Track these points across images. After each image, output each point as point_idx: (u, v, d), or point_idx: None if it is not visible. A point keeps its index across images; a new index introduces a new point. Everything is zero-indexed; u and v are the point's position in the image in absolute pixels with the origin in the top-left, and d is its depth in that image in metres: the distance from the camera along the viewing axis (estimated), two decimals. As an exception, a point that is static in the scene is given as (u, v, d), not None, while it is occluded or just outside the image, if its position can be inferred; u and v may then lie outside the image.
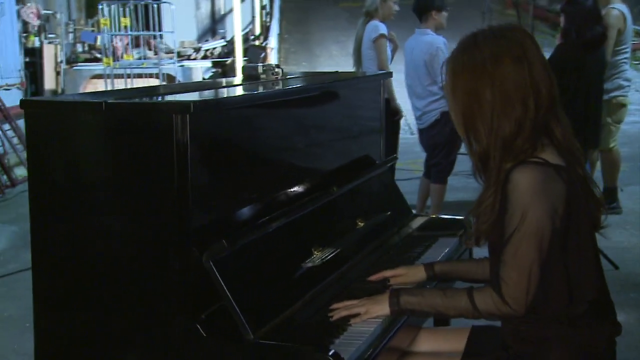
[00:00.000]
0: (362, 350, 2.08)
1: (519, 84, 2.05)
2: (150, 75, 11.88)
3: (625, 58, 6.22)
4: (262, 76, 2.80)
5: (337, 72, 3.31)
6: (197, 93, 2.28)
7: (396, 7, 6.55)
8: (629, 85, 6.31)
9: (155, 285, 1.97)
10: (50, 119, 2.00)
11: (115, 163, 1.96)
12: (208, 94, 2.31)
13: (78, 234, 2.02)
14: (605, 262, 5.23)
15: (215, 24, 20.01)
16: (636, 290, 4.94)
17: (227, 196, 2.12)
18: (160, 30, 13.05)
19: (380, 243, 2.80)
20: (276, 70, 2.82)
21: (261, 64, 2.83)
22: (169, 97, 2.12)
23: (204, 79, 12.44)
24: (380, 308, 2.22)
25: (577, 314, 2.09)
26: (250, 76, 2.85)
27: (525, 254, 2.00)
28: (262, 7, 16.30)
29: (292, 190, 2.44)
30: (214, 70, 13.29)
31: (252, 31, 15.28)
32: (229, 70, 13.23)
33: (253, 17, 16.71)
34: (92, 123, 1.94)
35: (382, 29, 6.45)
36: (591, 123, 5.29)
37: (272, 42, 14.26)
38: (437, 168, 6.03)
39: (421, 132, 6.04)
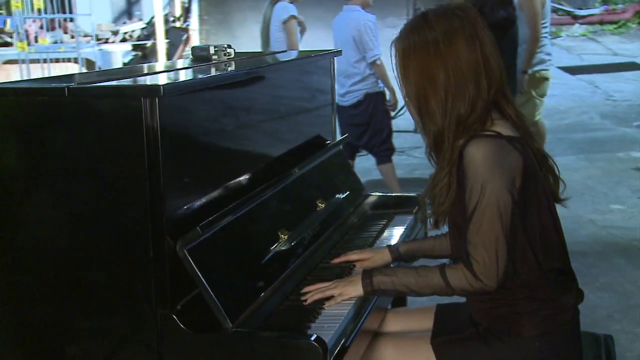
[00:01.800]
0: (339, 333, 2.05)
1: (472, 63, 2.04)
2: (69, 60, 11.49)
3: (545, 32, 6.35)
4: (214, 57, 2.72)
5: (284, 51, 3.23)
6: (159, 76, 2.19)
7: None
8: (550, 60, 6.44)
9: (128, 276, 1.89)
10: (6, 107, 1.89)
11: (82, 151, 1.86)
12: (173, 76, 2.23)
13: (46, 226, 1.93)
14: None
15: (130, 6, 19.55)
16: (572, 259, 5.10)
17: (197, 182, 2.05)
18: (74, 12, 12.63)
19: (340, 224, 2.78)
20: (228, 50, 2.74)
21: (212, 45, 2.75)
22: (133, 81, 2.03)
23: (124, 63, 12.14)
24: (354, 289, 2.20)
25: (545, 283, 2.11)
26: (200, 57, 2.77)
27: (488, 229, 2.01)
28: (181, -13, 15.99)
29: (255, 173, 2.38)
30: (134, 53, 12.97)
31: (171, 12, 14.98)
32: (149, 54, 12.94)
33: (170, -2, 16.39)
34: (56, 110, 1.84)
35: (292, 9, 6.39)
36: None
37: (194, 23, 14.02)
38: (376, 149, 6.04)
39: (342, 109, 5.92)
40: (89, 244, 1.91)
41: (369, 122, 5.92)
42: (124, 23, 15.51)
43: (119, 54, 12.66)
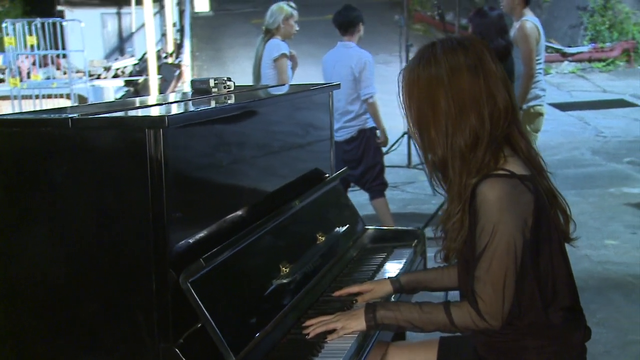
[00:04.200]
0: (342, 367, 2.02)
1: (473, 94, 2.05)
2: (61, 96, 11.51)
3: (540, 69, 6.40)
4: (214, 90, 2.72)
5: (278, 85, 3.24)
6: (161, 107, 2.18)
7: (297, 27, 6.53)
8: (544, 95, 6.49)
9: (130, 309, 1.86)
10: (10, 138, 1.87)
11: (85, 183, 1.84)
12: (175, 108, 2.22)
13: (47, 258, 1.90)
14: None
15: (122, 43, 19.65)
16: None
17: (199, 214, 2.03)
18: (67, 49, 12.67)
19: (339, 257, 2.76)
20: (228, 83, 2.75)
21: (212, 77, 2.75)
22: (135, 112, 2.02)
23: (116, 99, 12.15)
24: (357, 323, 2.18)
25: (553, 323, 2.09)
26: (200, 90, 2.76)
27: (498, 269, 1.99)
28: (173, 25, 16.09)
29: (256, 205, 2.37)
30: (126, 89, 13.01)
31: (163, 49, 15.05)
32: (141, 89, 12.97)
33: (162, 34, 16.46)
34: (59, 141, 1.83)
35: (284, 48, 6.40)
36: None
37: (186, 59, 14.09)
38: (369, 185, 6.04)
39: (336, 144, 5.95)
40: (90, 277, 1.88)
41: (362, 158, 5.93)
42: (116, 59, 15.59)
43: (111, 90, 12.70)
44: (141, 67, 13.69)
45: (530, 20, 6.47)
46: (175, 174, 1.87)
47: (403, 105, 2.18)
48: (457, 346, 2.36)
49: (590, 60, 15.70)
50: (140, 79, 13.19)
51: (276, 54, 6.44)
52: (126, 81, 13.27)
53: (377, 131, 5.97)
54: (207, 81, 2.76)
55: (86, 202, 1.84)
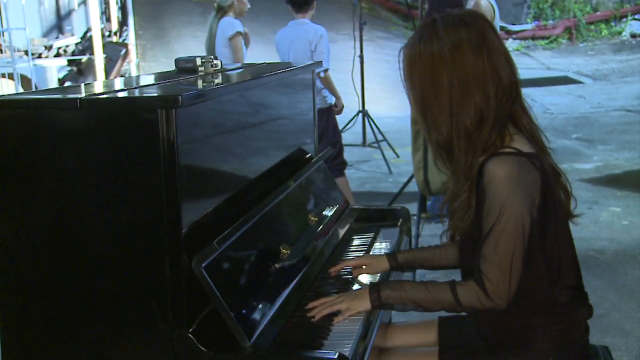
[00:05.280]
0: (353, 350, 2.00)
1: (477, 71, 2.02)
2: (3, 76, 11.12)
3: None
4: (200, 68, 2.65)
5: (264, 63, 3.18)
6: (163, 87, 2.10)
7: (248, 5, 6.49)
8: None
9: (144, 295, 1.80)
10: (15, 120, 1.78)
11: (94, 165, 1.77)
12: (183, 87, 2.14)
13: (58, 243, 1.82)
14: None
15: (60, 21, 19.13)
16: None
17: (209, 196, 1.98)
18: (7, 26, 12.25)
19: (330, 238, 2.73)
20: (215, 62, 2.68)
21: (199, 56, 2.67)
22: (139, 92, 1.95)
23: (59, 79, 11.84)
24: (361, 304, 2.15)
25: (559, 302, 2.10)
26: (186, 69, 2.69)
27: (506, 248, 1.98)
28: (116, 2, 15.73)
29: (256, 186, 2.32)
30: (69, 69, 12.66)
31: (106, 27, 14.70)
32: (85, 69, 12.65)
33: (102, 12, 16.07)
34: (66, 122, 1.75)
35: (238, 26, 6.34)
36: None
37: (131, 38, 13.78)
38: (329, 164, 6.02)
39: None
40: (101, 263, 1.82)
41: (321, 137, 5.92)
42: (57, 38, 15.14)
43: (54, 70, 12.33)
44: (84, 46, 13.33)
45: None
46: (187, 154, 1.81)
47: (404, 84, 2.15)
48: (458, 325, 2.36)
49: (533, 38, 15.92)
50: (84, 58, 12.85)
51: (231, 32, 6.38)
52: (69, 60, 12.90)
53: (333, 99, 5.98)
54: (193, 60, 2.68)
55: (97, 187, 1.77)
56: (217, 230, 1.94)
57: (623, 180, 7.21)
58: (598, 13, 16.10)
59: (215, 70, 2.65)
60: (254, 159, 2.39)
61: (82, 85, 2.17)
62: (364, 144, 8.74)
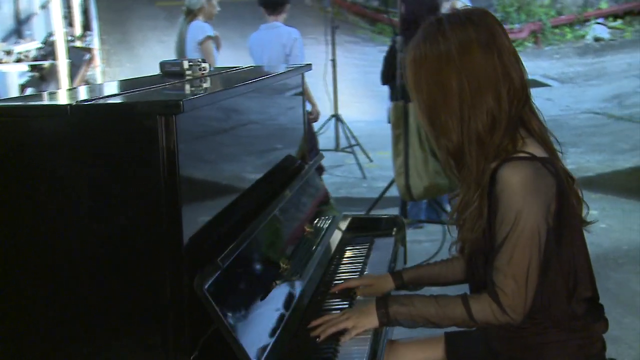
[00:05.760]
0: (365, 370, 1.87)
1: (488, 72, 1.89)
2: (-38, 82, 10.80)
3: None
4: (188, 72, 2.50)
5: (251, 66, 3.04)
6: (157, 92, 1.95)
7: (218, 7, 6.39)
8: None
9: (141, 315, 1.65)
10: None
11: (85, 178, 1.61)
12: (179, 92, 2.00)
13: (47, 263, 1.66)
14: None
15: (20, 25, 18.75)
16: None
17: (209, 209, 1.83)
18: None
19: (326, 250, 2.60)
20: (203, 65, 2.53)
21: (186, 59, 2.52)
22: (130, 98, 1.79)
23: (20, 84, 11.55)
24: (369, 321, 2.03)
25: (576, 315, 1.99)
26: (172, 73, 2.54)
27: (521, 259, 1.86)
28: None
29: (251, 196, 2.18)
30: (30, 74, 12.35)
31: (69, 32, 14.39)
32: (47, 75, 12.35)
33: (64, 17, 15.72)
34: (55, 131, 1.59)
35: (209, 30, 6.25)
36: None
37: (95, 43, 13.50)
38: None
39: None
40: (94, 282, 1.66)
41: None
42: (16, 43, 14.78)
43: (15, 75, 12.02)
44: (46, 51, 13.02)
45: (461, 1, 6.46)
46: (188, 165, 1.66)
47: (410, 89, 2.02)
48: (466, 341, 2.24)
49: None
50: (46, 64, 12.54)
51: (201, 36, 6.28)
52: (31, 66, 12.58)
53: (309, 106, 5.87)
54: (179, 63, 2.53)
55: (89, 201, 1.61)
56: (216, 245, 1.80)
57: (596, 183, 7.18)
58: (562, 17, 16.19)
59: (203, 74, 2.51)
60: (249, 168, 2.25)
61: (65, 91, 2.01)
62: (336, 148, 8.62)
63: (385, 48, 6.86)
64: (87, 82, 11.81)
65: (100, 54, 14.07)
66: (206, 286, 1.66)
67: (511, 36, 12.95)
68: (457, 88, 1.90)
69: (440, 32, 1.94)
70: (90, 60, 12.11)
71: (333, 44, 8.42)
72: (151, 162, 1.58)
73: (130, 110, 1.59)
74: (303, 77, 2.95)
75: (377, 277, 2.37)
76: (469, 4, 6.59)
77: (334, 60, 8.47)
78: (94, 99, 1.67)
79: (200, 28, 6.29)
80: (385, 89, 6.47)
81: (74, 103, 1.59)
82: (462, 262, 2.28)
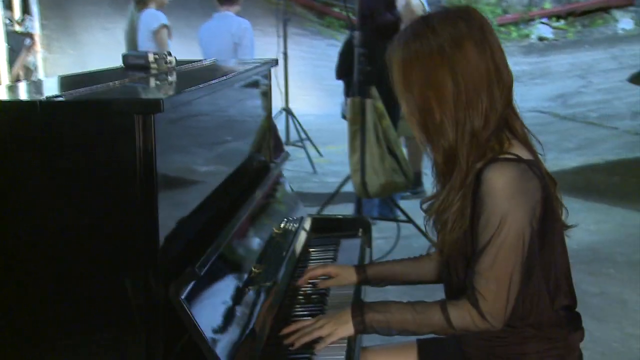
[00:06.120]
0: (342, 381, 1.80)
1: (483, 70, 1.82)
2: None
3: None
4: (153, 66, 2.39)
5: (215, 59, 2.93)
6: (127, 89, 1.84)
7: None
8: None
9: (114, 327, 1.55)
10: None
11: (57, 180, 1.50)
12: (152, 90, 1.88)
13: (16, 268, 1.54)
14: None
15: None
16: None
17: (183, 212, 1.73)
18: None
19: (293, 251, 2.52)
20: (169, 58, 2.42)
21: (151, 52, 2.40)
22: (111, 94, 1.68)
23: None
24: (344, 329, 1.96)
25: (556, 324, 1.95)
26: (136, 66, 2.42)
27: (504, 263, 1.81)
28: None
29: (223, 197, 2.09)
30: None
31: (7, 15, 13.93)
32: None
33: None
34: (24, 130, 1.47)
35: (163, 18, 6.13)
36: (391, 109, 5.23)
37: (36, 27, 13.08)
38: None
39: None
40: (66, 290, 1.54)
41: None
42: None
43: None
44: (-18, 36, 12.55)
45: (415, -1, 6.43)
46: (165, 168, 1.57)
47: (398, 92, 1.93)
48: (439, 347, 2.18)
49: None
50: (-19, 50, 12.09)
51: (155, 25, 6.13)
52: (-35, 52, 12.12)
53: None
54: (144, 56, 2.41)
55: (61, 207, 1.50)
56: (189, 250, 1.71)
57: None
58: (508, 15, 16.36)
59: (169, 67, 2.40)
60: (222, 168, 2.15)
61: (27, 84, 1.88)
62: (287, 142, 8.53)
63: (335, 42, 6.83)
64: (27, 69, 11.44)
65: (41, 39, 13.66)
66: (183, 296, 1.57)
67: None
68: (452, 87, 1.82)
69: (429, 29, 1.86)
70: (32, 46, 11.72)
71: (285, 37, 8.33)
72: (128, 165, 1.47)
73: (106, 108, 1.48)
74: (270, 73, 2.85)
75: (341, 268, 2.31)
76: (424, 1, 6.58)
77: (285, 54, 8.37)
78: (63, 95, 1.55)
79: (154, 16, 6.15)
80: (338, 83, 6.40)
81: (43, 99, 1.48)
82: (432, 263, 2.23)
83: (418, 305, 1.94)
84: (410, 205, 5.63)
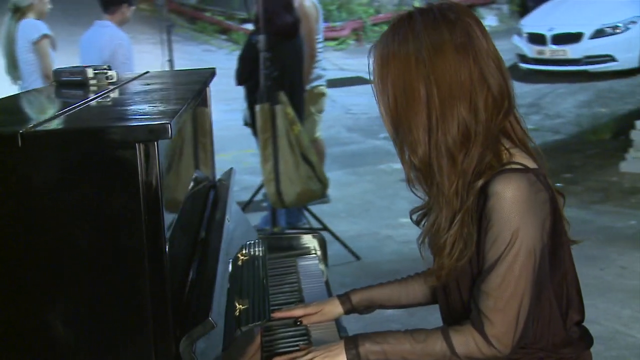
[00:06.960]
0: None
1: (461, 79, 1.69)
2: None
3: (320, 48, 6.37)
4: (92, 82, 2.13)
5: (147, 71, 2.69)
6: (106, 111, 1.58)
7: (49, 4, 5.94)
8: (325, 75, 6.47)
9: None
10: None
11: (41, 221, 1.25)
12: (122, 112, 1.62)
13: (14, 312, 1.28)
14: (348, 254, 5.24)
15: None
16: (381, 278, 4.98)
17: (179, 251, 1.51)
18: None
19: (257, 277, 2.31)
20: (110, 73, 2.17)
21: (90, 66, 2.14)
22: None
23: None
24: None
25: (569, 344, 1.84)
26: (72, 83, 2.15)
27: (514, 283, 1.68)
28: None
29: (195, 223, 1.87)
30: None
31: None
32: None
33: None
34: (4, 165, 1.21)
35: (43, 28, 5.79)
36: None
37: None
38: None
39: None
40: (68, 333, 1.30)
41: None
42: None
43: None
44: None
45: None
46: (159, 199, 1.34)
47: (375, 88, 1.78)
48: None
49: (324, 40, 16.02)
50: None
51: (36, 35, 5.78)
52: None
53: None
54: (82, 71, 2.15)
55: (42, 251, 1.25)
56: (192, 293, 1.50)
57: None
58: (381, 15, 16.55)
59: (110, 83, 2.15)
60: (189, 192, 1.93)
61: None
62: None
63: (208, 47, 6.63)
64: None
65: None
66: (195, 349, 1.35)
67: (333, 34, 13.05)
68: (424, 95, 1.69)
69: (411, 30, 1.71)
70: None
71: (169, 43, 8.00)
72: (127, 206, 1.24)
73: (100, 138, 1.24)
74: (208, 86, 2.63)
75: (323, 304, 2.12)
76: (316, 1, 6.51)
77: (171, 61, 8.05)
78: (47, 122, 1.30)
79: (34, 26, 5.78)
80: (225, 88, 6.17)
81: (24, 130, 1.22)
82: (420, 283, 2.09)
83: (417, 333, 1.79)
84: (319, 211, 5.52)
